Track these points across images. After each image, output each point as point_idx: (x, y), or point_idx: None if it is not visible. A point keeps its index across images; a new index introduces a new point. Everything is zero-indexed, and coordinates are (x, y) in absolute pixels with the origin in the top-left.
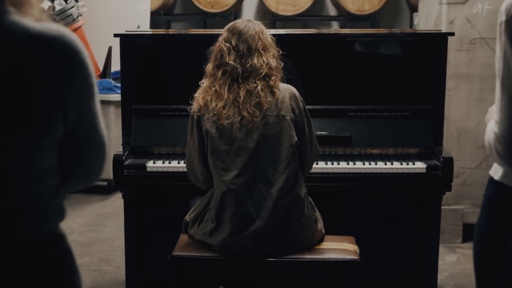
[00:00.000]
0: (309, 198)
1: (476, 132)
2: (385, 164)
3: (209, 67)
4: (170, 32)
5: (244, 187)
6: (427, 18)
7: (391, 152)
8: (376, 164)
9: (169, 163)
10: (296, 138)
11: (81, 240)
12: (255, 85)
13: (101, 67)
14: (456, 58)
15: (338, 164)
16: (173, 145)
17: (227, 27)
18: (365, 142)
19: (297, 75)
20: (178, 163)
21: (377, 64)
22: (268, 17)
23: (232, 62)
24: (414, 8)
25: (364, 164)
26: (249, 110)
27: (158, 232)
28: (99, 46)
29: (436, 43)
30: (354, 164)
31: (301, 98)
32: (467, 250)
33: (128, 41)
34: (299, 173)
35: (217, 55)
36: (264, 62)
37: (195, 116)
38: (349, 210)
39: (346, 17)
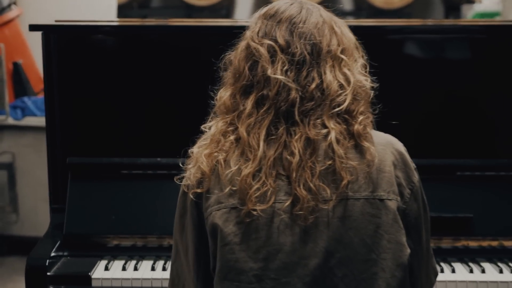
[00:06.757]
0: None
1: None
2: None
3: (223, 95)
4: (139, 23)
5: None
6: None
7: None
8: None
9: (136, 268)
10: (409, 250)
11: None
12: (324, 130)
13: None
14: None
15: (453, 270)
16: (142, 232)
17: (261, 12)
18: (497, 228)
19: None
20: (153, 268)
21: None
22: None
23: (281, 77)
24: (450, 2)
25: (500, 271)
26: (311, 184)
27: None
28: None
29: None
30: (482, 270)
31: (413, 164)
32: None
33: (57, 37)
34: None
35: (243, 67)
36: (348, 81)
37: (191, 196)
38: None
39: (368, 12)
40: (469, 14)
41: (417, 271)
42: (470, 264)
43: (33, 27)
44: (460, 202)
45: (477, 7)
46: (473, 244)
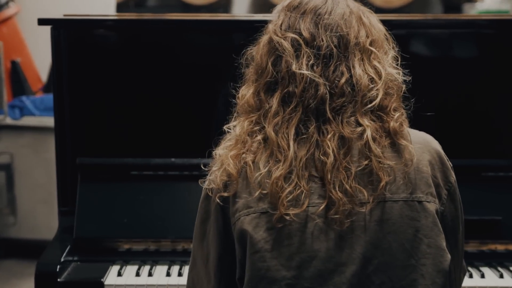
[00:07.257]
0: None
1: None
2: None
3: (245, 93)
4: (159, 17)
5: None
6: None
7: None
8: None
9: (150, 274)
10: (449, 255)
11: None
12: (359, 127)
13: (44, 76)
14: None
15: (482, 276)
16: (156, 236)
17: (284, 4)
18: None
19: None
20: (168, 273)
21: None
22: (268, 11)
23: (307, 72)
24: (450, 1)
25: None
26: (347, 186)
27: None
28: (42, 46)
29: None
30: None
31: (450, 163)
32: None
33: (67, 32)
34: None
35: (265, 63)
36: (379, 75)
37: (217, 200)
38: None
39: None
40: (471, 12)
41: (453, 274)
42: (499, 268)
43: (42, 21)
44: (486, 203)
45: (480, 6)
46: (500, 248)
